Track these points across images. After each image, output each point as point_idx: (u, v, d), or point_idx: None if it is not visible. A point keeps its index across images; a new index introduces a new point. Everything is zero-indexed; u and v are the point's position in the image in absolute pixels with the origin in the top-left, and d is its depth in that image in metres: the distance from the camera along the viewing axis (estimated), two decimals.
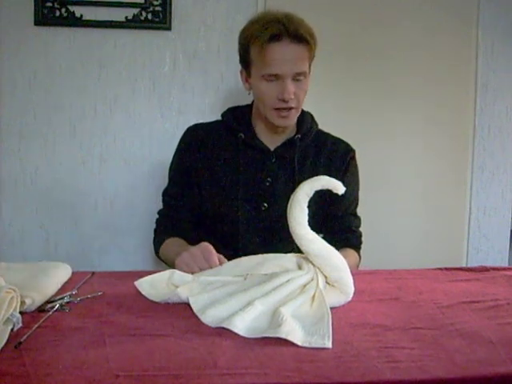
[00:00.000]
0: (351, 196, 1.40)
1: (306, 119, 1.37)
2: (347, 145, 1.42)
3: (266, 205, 1.33)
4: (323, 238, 1.28)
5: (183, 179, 1.37)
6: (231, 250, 1.23)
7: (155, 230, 1.42)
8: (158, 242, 1.37)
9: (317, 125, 1.41)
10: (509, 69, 1.99)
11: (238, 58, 1.86)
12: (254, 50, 1.24)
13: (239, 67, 1.35)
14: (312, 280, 0.91)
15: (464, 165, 2.02)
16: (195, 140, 1.37)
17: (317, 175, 1.32)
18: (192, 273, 1.00)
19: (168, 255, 1.29)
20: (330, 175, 1.34)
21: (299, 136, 1.34)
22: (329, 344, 0.73)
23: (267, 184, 1.33)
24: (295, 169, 1.33)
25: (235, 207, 1.32)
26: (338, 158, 1.38)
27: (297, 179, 1.31)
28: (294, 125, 1.37)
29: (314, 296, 0.88)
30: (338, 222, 1.38)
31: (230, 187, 1.33)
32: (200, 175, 1.35)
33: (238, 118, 1.37)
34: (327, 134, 1.42)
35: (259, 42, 1.22)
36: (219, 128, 1.38)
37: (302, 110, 1.38)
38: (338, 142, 1.41)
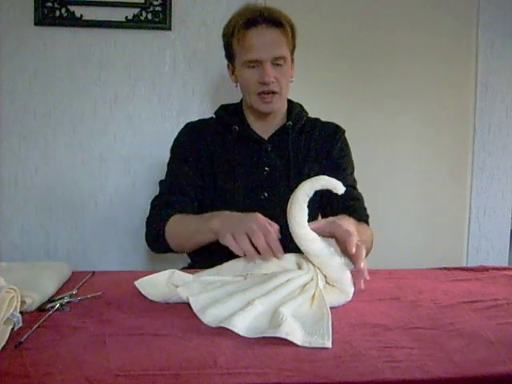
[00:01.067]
0: (347, 170, 1.41)
1: (294, 107, 1.42)
2: (336, 125, 1.46)
3: (266, 194, 1.35)
4: (329, 212, 1.31)
5: (183, 170, 1.37)
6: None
7: (151, 213, 1.34)
8: (160, 220, 1.27)
9: (307, 113, 1.45)
10: (509, 69, 1.99)
11: None
12: (234, 40, 1.30)
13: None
14: (312, 280, 0.91)
15: (464, 165, 2.02)
16: (194, 134, 1.40)
17: (309, 159, 1.37)
18: (244, 254, 0.92)
19: (188, 226, 1.18)
20: (321, 156, 1.39)
21: (290, 123, 1.38)
22: (329, 344, 0.73)
23: (265, 173, 1.36)
24: (290, 156, 1.37)
25: (235, 199, 1.34)
26: (328, 137, 1.42)
27: (292, 166, 1.36)
28: (284, 114, 1.41)
29: (313, 296, 0.88)
30: (339, 196, 1.35)
31: (229, 180, 1.35)
32: (200, 168, 1.37)
33: (230, 113, 1.41)
34: (317, 119, 1.46)
35: (237, 30, 1.29)
36: (214, 124, 1.42)
37: (291, 101, 1.44)
38: (327, 124, 1.45)
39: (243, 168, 1.36)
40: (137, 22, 1.82)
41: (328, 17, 1.87)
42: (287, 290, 0.87)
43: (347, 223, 0.99)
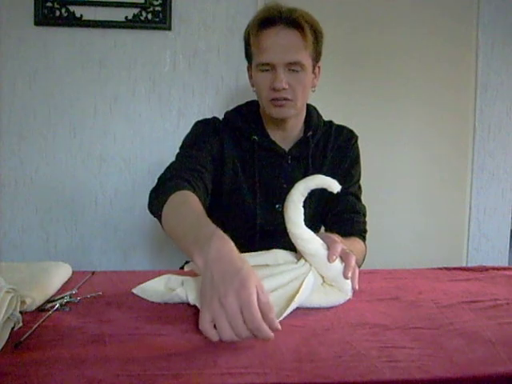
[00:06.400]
0: (354, 178, 1.39)
1: (312, 115, 1.37)
2: (350, 131, 1.42)
3: (279, 206, 1.30)
4: (329, 221, 1.31)
5: (199, 154, 1.24)
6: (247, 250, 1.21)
7: (157, 185, 1.12)
8: (164, 191, 1.02)
9: (322, 117, 1.40)
10: (509, 69, 1.99)
11: (237, 58, 1.88)
12: (252, 40, 1.23)
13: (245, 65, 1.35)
14: (302, 274, 0.89)
15: (464, 165, 2.02)
16: (214, 131, 1.31)
17: (324, 167, 1.35)
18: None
19: (181, 223, 0.90)
20: (335, 163, 1.36)
21: (311, 133, 1.33)
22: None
23: (284, 186, 1.30)
24: (309, 167, 1.33)
25: (251, 208, 1.31)
26: (342, 145, 1.38)
27: None
28: (302, 123, 1.36)
29: (296, 290, 0.86)
30: (340, 202, 1.35)
31: (248, 188, 1.31)
32: (218, 165, 1.29)
33: (248, 120, 1.34)
34: (331, 123, 1.41)
35: (255, 30, 1.21)
36: (229, 127, 1.34)
37: (308, 106, 1.37)
38: (341, 128, 1.41)
39: (262, 178, 1.31)
40: (137, 22, 1.82)
41: (326, 17, 1.87)
42: (276, 281, 0.87)
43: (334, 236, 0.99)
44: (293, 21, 1.19)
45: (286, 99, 1.23)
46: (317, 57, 1.28)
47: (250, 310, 0.66)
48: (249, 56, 1.29)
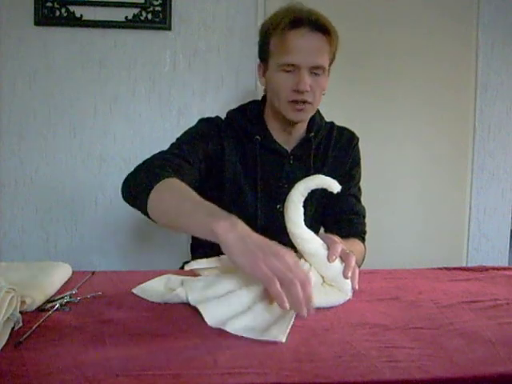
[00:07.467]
0: (354, 179, 1.40)
1: (315, 116, 1.36)
2: (352, 133, 1.42)
3: (279, 206, 1.30)
4: (328, 222, 1.30)
5: (195, 144, 1.24)
6: None
7: (138, 168, 1.15)
8: (150, 177, 1.02)
9: (323, 118, 1.41)
10: (509, 69, 1.99)
11: (237, 58, 1.88)
12: (274, 39, 1.22)
13: (257, 62, 1.34)
14: None
15: (464, 165, 2.02)
16: (218, 128, 1.31)
17: (326, 168, 1.35)
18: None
19: (182, 201, 0.92)
20: (336, 164, 1.37)
21: (313, 134, 1.33)
22: (283, 338, 0.72)
23: (286, 186, 1.30)
24: (311, 168, 1.33)
25: (252, 206, 1.31)
26: (343, 146, 1.39)
27: None
28: (305, 123, 1.36)
29: None
30: (340, 203, 1.36)
31: (249, 188, 1.31)
32: (221, 167, 1.30)
33: (251, 120, 1.33)
34: (332, 124, 1.41)
35: (280, 29, 1.20)
36: (232, 127, 1.34)
37: None
38: (342, 130, 1.42)
39: (263, 178, 1.31)
40: (137, 22, 1.82)
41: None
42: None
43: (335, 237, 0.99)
44: (320, 25, 1.21)
45: (306, 102, 1.23)
46: (333, 60, 1.29)
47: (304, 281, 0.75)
48: (266, 54, 1.27)
